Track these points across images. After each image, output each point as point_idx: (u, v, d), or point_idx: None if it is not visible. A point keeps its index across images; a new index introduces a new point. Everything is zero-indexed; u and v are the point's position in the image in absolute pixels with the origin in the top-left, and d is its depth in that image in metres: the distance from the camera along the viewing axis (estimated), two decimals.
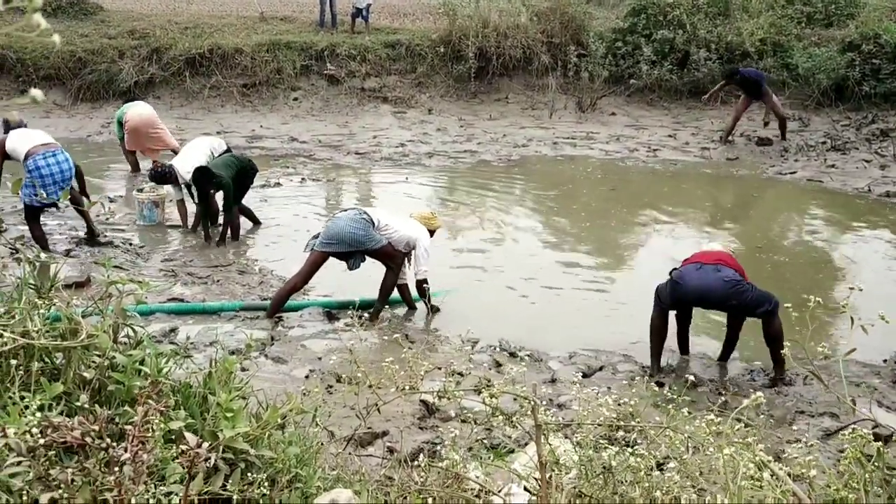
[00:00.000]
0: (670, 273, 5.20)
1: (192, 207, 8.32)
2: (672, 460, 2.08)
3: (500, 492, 2.93)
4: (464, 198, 10.13)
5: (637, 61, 14.92)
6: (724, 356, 5.44)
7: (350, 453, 3.53)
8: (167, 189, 8.44)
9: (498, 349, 5.49)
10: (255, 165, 8.20)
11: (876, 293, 6.46)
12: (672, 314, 5.29)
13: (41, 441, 1.65)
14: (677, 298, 5.08)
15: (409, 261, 6.30)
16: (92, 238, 7.72)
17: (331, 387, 4.63)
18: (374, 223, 6.05)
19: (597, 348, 5.59)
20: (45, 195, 6.73)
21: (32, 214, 7.18)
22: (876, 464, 1.75)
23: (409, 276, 6.31)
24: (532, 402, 2.08)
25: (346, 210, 6.30)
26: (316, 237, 6.16)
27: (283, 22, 17.84)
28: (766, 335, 4.94)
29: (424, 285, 6.16)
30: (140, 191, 8.74)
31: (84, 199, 7.44)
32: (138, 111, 10.33)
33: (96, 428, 1.63)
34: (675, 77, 14.83)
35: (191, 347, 5.00)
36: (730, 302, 4.92)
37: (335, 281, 6.68)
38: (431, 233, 6.38)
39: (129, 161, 10.82)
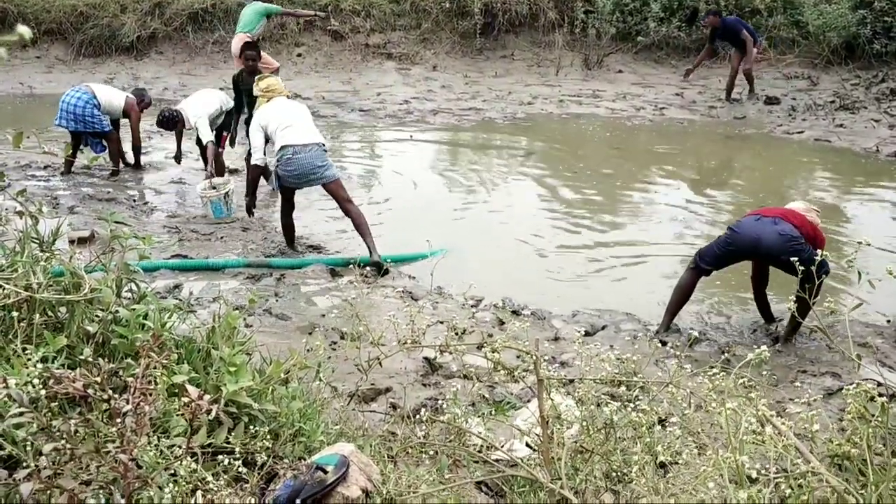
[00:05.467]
0: (729, 227, 5.18)
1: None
2: (674, 416, 2.08)
3: (502, 447, 2.95)
4: (468, 156, 10.06)
5: (645, 18, 14.68)
6: (770, 318, 5.33)
7: (353, 409, 3.55)
8: (203, 134, 7.92)
9: (502, 307, 5.48)
10: None
11: (885, 253, 6.45)
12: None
13: (42, 392, 1.66)
14: (729, 248, 5.03)
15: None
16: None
17: (335, 343, 4.65)
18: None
19: (601, 307, 5.57)
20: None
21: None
22: (880, 419, 1.74)
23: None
24: (534, 357, 2.08)
25: (292, 146, 6.00)
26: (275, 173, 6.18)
27: None
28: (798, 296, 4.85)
29: None
30: (213, 188, 7.66)
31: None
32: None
33: (98, 380, 1.63)
34: (683, 34, 14.60)
35: (195, 303, 5.01)
36: (781, 257, 4.83)
37: (342, 241, 6.70)
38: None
39: None
